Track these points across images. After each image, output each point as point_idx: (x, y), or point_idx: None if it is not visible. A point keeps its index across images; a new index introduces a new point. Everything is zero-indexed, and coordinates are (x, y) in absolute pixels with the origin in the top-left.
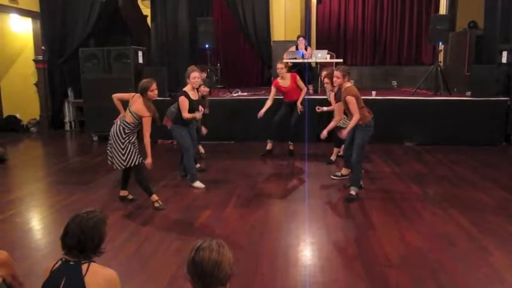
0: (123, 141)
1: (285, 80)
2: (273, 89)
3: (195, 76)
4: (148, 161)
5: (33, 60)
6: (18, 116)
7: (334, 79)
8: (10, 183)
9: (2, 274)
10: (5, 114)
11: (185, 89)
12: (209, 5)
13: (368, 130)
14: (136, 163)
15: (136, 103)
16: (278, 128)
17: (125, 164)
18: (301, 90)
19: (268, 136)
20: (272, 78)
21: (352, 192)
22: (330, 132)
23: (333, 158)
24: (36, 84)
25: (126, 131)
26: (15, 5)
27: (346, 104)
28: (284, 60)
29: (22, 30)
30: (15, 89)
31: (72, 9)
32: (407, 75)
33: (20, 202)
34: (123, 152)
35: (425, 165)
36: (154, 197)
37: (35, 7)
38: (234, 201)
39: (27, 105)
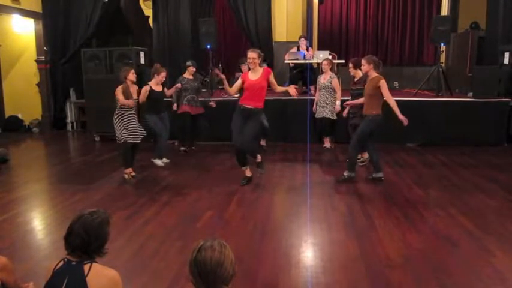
0: (115, 122)
1: (255, 73)
2: (239, 81)
3: (164, 76)
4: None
5: (35, 60)
6: (20, 116)
7: (362, 67)
8: (12, 183)
9: (0, 278)
10: (7, 114)
11: (150, 83)
12: (211, 6)
13: (372, 122)
14: (123, 140)
15: (116, 91)
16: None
17: (118, 138)
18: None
19: (240, 165)
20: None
21: (345, 174)
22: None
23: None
24: (38, 85)
25: (116, 112)
26: (17, 6)
27: (375, 90)
28: (286, 61)
29: (24, 30)
30: (17, 90)
31: (74, 9)
32: (409, 76)
33: (22, 202)
34: (116, 128)
35: (427, 166)
36: (128, 170)
37: (37, 8)
38: (236, 201)
39: (29, 106)
